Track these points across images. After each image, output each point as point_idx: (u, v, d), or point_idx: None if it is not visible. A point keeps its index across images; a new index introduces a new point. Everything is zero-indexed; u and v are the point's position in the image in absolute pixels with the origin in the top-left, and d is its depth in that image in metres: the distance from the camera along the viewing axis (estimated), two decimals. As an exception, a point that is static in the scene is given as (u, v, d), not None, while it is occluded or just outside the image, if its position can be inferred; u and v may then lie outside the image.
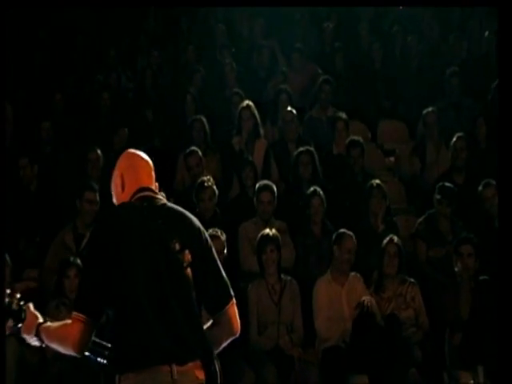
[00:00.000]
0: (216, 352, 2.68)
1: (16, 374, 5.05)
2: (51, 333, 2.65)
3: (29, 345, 2.77)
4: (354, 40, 9.79)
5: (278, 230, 6.24)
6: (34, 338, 2.68)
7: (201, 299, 2.64)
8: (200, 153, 7.06)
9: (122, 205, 2.70)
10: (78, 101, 8.41)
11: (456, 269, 5.69)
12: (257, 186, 6.54)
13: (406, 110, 8.63)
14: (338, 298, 5.57)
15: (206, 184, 6.38)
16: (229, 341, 2.73)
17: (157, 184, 2.79)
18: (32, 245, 6.49)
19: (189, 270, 2.60)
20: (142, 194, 2.68)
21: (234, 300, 2.70)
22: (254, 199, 6.44)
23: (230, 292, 2.70)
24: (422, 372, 5.32)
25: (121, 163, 2.79)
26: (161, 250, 2.58)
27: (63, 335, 2.59)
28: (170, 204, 2.74)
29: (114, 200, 2.78)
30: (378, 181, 6.62)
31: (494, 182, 6.24)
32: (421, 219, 6.45)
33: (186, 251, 2.60)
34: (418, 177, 7.40)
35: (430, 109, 7.68)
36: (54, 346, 2.65)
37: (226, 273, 5.61)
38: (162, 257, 2.57)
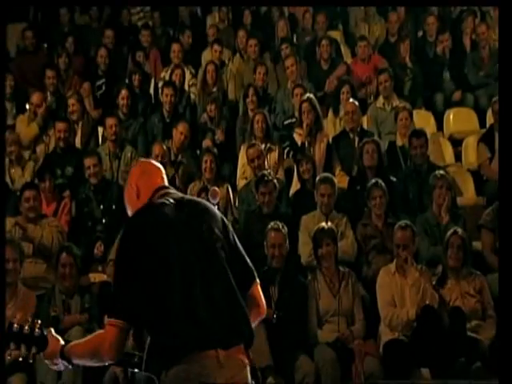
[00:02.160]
0: None
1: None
2: (81, 347, 2.66)
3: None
4: (421, 29, 9.67)
5: (338, 222, 6.28)
6: (59, 360, 2.67)
7: None
8: (261, 146, 7.15)
9: (145, 205, 2.70)
10: (142, 97, 8.61)
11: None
12: (317, 178, 6.57)
13: (475, 98, 8.48)
14: (402, 290, 5.52)
15: (266, 178, 6.45)
16: (256, 322, 2.74)
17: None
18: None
19: (223, 254, 2.64)
20: (161, 192, 2.72)
21: (258, 281, 2.74)
22: (315, 192, 6.46)
23: (253, 273, 2.73)
24: (488, 366, 5.22)
25: (133, 173, 2.83)
26: (198, 240, 2.61)
27: (97, 344, 2.57)
28: (188, 196, 2.83)
29: (129, 211, 2.78)
30: (442, 171, 6.54)
31: None
32: (488, 210, 6.32)
33: (220, 237, 2.65)
34: (486, 167, 7.25)
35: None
36: (86, 359, 2.65)
37: (286, 266, 5.73)
38: (201, 246, 2.61)
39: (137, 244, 2.57)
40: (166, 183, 2.81)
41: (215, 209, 2.79)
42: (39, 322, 2.70)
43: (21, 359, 2.69)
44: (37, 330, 2.67)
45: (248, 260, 2.74)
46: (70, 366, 2.72)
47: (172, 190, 2.77)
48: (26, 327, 2.67)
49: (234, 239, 2.72)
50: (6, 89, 8.14)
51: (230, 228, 2.73)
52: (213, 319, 2.54)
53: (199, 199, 2.84)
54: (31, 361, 2.71)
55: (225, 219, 2.75)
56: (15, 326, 2.66)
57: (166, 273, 2.55)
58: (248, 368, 2.66)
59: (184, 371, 2.49)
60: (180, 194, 2.76)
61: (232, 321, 2.57)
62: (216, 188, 5.70)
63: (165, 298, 2.53)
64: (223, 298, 2.58)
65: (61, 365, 2.70)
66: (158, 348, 2.55)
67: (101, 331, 2.62)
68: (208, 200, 5.88)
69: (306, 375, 5.26)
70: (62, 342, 2.70)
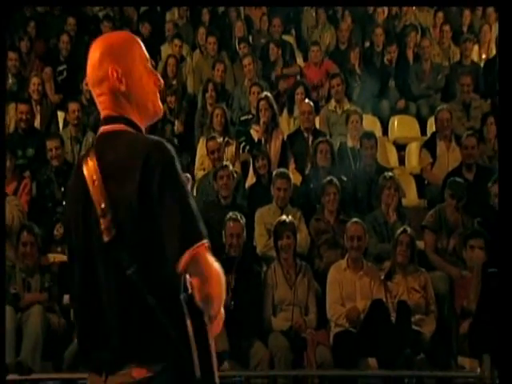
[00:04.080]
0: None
1: (43, 340, 4.95)
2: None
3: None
4: (369, 39, 9.68)
5: (293, 216, 6.17)
6: None
7: None
8: (220, 139, 6.99)
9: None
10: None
11: (467, 260, 5.60)
12: (274, 173, 6.47)
13: (417, 107, 8.53)
14: (352, 285, 5.46)
15: (225, 167, 6.31)
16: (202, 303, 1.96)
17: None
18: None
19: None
20: None
21: (198, 244, 1.93)
22: (271, 186, 6.35)
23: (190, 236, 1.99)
24: (430, 358, 5.21)
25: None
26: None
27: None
28: None
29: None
30: (390, 173, 6.53)
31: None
32: (431, 212, 6.33)
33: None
34: (428, 171, 7.27)
35: (443, 106, 7.59)
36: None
37: (243, 256, 5.60)
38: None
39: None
40: None
41: None
42: None
43: None
44: None
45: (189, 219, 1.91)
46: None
47: None
48: None
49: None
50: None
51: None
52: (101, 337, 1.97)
53: None
54: None
55: None
56: None
57: None
58: None
59: None
60: None
61: (122, 340, 1.94)
62: (188, 175, 5.55)
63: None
64: (116, 308, 1.95)
65: None
66: None
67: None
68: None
69: (260, 361, 5.14)
70: None
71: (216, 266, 1.91)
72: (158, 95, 2.08)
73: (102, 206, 1.91)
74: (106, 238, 1.90)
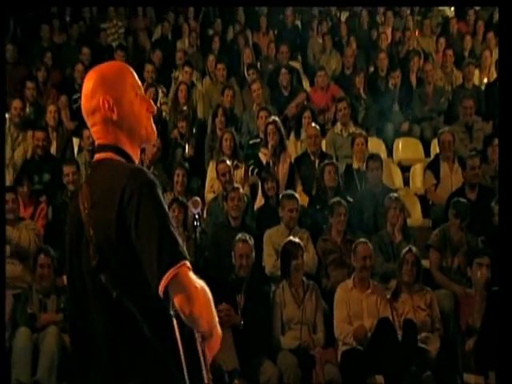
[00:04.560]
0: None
1: (58, 360, 4.96)
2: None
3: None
4: (373, 64, 9.72)
5: (301, 237, 6.17)
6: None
7: None
8: (229, 162, 7.02)
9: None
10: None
11: (472, 278, 5.57)
12: (281, 195, 6.49)
13: (421, 129, 8.54)
14: (359, 305, 5.44)
15: (236, 189, 6.34)
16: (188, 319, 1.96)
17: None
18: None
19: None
20: None
21: (179, 265, 1.95)
22: (279, 208, 6.36)
23: (170, 259, 2.01)
24: (436, 375, 5.17)
25: None
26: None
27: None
28: None
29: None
30: (395, 194, 6.53)
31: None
32: (436, 231, 6.32)
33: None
34: (432, 192, 7.26)
35: (445, 128, 7.61)
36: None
37: (251, 276, 5.59)
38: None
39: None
40: None
41: None
42: None
43: None
44: None
45: (166, 244, 1.90)
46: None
47: None
48: None
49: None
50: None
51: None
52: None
53: None
54: None
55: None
56: None
57: None
58: None
59: None
60: None
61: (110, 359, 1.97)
62: (198, 198, 5.56)
63: None
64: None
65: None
66: None
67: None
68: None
69: (269, 379, 5.11)
70: None
71: (200, 284, 1.90)
72: (151, 120, 2.11)
73: (91, 232, 1.96)
74: (92, 262, 1.94)
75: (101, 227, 1.94)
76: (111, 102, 2.03)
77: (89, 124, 2.10)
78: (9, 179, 6.86)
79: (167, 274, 1.85)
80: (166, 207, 1.96)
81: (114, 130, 2.05)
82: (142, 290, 1.92)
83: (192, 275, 1.89)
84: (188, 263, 1.89)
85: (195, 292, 1.87)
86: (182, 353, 1.92)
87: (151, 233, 1.88)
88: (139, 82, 2.11)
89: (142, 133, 2.08)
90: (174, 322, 1.93)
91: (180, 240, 1.93)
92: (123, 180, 1.93)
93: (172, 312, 1.93)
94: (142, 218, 1.89)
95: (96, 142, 2.09)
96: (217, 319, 1.99)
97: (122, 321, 1.94)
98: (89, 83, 2.08)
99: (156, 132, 2.12)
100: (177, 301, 1.86)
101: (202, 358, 1.96)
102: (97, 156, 2.08)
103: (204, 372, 1.96)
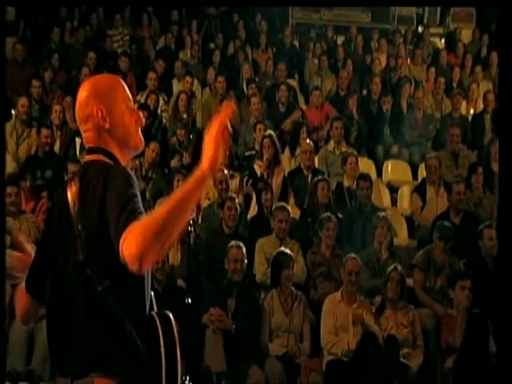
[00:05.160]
0: None
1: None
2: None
3: None
4: (367, 88, 9.78)
5: (291, 248, 6.17)
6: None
7: None
8: (226, 171, 7.00)
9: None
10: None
11: (453, 300, 5.60)
12: (274, 206, 6.49)
13: (410, 153, 8.59)
14: (345, 317, 5.43)
15: (232, 199, 6.32)
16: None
17: None
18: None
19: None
20: None
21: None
22: (271, 219, 6.36)
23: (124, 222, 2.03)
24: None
25: None
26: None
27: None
28: None
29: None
30: (383, 213, 6.55)
31: (492, 225, 6.20)
32: (421, 252, 6.34)
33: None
34: (418, 214, 7.30)
35: (433, 154, 7.67)
36: None
37: (242, 282, 5.58)
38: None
39: None
40: None
41: None
42: None
43: None
44: None
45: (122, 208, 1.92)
46: None
47: None
48: None
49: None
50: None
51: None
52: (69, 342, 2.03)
53: None
54: None
55: None
56: None
57: None
58: None
59: None
60: None
61: (89, 349, 1.98)
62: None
63: None
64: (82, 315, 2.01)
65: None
66: None
67: None
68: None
69: (256, 383, 5.09)
70: None
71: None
72: (139, 131, 2.19)
73: (79, 227, 2.01)
74: (80, 257, 1.99)
75: (88, 223, 1.99)
76: (104, 111, 2.11)
77: (81, 129, 2.18)
78: (11, 172, 6.79)
79: (124, 233, 1.84)
80: (135, 190, 1.98)
81: (104, 136, 2.12)
82: (126, 287, 1.96)
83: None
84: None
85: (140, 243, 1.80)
86: (162, 354, 1.94)
87: (114, 201, 1.93)
88: (130, 95, 2.20)
89: (131, 143, 2.17)
90: (158, 322, 1.97)
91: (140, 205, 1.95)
92: (105, 177, 2.01)
93: (154, 312, 2.01)
94: (109, 193, 1.96)
95: (87, 145, 2.17)
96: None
97: (104, 315, 1.96)
98: (83, 93, 2.15)
99: (144, 142, 2.20)
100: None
101: (179, 364, 1.99)
102: (87, 157, 2.15)
103: (179, 377, 2.00)
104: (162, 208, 1.84)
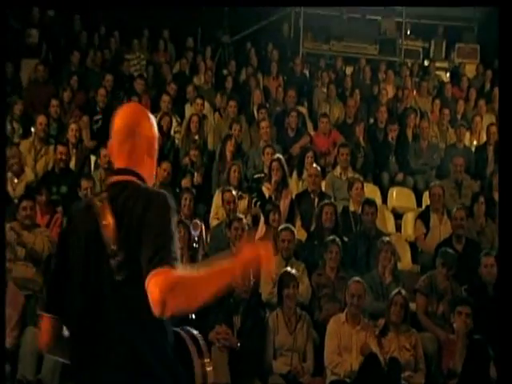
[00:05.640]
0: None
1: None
2: None
3: None
4: (373, 116, 9.81)
5: (297, 268, 6.14)
6: None
7: None
8: (234, 192, 7.01)
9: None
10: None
11: (454, 325, 5.54)
12: (279, 227, 6.47)
13: (414, 181, 8.58)
14: (349, 338, 5.38)
15: (240, 220, 6.31)
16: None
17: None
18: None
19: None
20: None
21: (162, 269, 2.04)
22: (277, 239, 6.34)
23: (158, 259, 2.10)
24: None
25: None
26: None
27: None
28: None
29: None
30: (388, 238, 6.52)
31: (492, 252, 6.16)
32: (423, 277, 6.29)
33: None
34: (422, 240, 7.27)
35: (436, 182, 7.66)
36: None
37: (249, 300, 5.54)
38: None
39: None
40: None
41: None
42: None
43: None
44: None
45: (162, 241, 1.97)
46: None
47: None
48: None
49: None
50: (14, 111, 7.90)
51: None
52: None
53: None
54: None
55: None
56: None
57: None
58: None
59: None
60: None
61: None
62: (198, 221, 5.54)
63: None
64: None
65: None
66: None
67: None
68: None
69: (259, 400, 5.03)
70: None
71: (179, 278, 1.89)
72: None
73: (113, 247, 1.97)
74: (118, 277, 1.95)
75: (127, 243, 1.96)
76: (153, 140, 2.23)
77: (120, 147, 2.16)
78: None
79: (155, 270, 1.87)
80: (174, 226, 1.99)
81: (144, 158, 2.18)
82: None
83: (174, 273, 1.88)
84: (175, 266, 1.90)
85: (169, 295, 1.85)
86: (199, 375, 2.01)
87: (153, 230, 1.94)
88: None
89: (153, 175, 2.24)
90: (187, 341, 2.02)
91: (177, 247, 1.96)
92: (147, 200, 2.00)
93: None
94: (149, 222, 1.97)
95: (117, 165, 2.16)
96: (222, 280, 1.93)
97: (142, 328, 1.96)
98: (148, 115, 2.24)
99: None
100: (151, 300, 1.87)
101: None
102: (117, 177, 2.14)
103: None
104: (199, 272, 1.89)
